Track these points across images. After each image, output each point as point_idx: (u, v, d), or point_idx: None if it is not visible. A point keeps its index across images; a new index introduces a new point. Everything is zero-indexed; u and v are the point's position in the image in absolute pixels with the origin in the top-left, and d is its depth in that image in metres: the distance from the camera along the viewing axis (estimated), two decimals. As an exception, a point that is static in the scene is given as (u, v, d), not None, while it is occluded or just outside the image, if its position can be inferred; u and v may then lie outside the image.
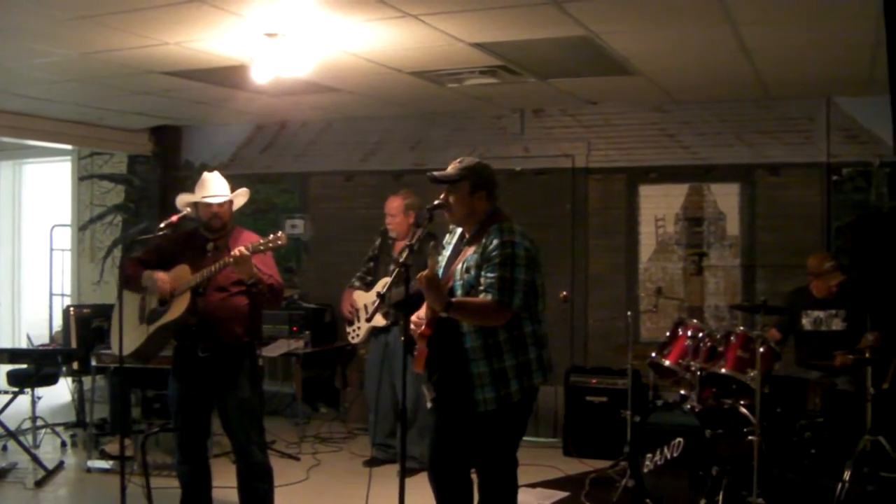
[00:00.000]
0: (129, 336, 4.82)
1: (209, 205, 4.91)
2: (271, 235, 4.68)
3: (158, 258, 4.98)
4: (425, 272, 3.83)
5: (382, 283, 6.46)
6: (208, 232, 4.97)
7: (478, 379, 3.93)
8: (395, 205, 6.61)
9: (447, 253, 4.24)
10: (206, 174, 5.05)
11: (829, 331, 6.14)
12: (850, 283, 6.19)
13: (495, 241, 3.92)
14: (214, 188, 4.96)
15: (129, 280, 4.93)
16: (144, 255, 5.07)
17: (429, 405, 4.13)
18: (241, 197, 5.12)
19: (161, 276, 4.79)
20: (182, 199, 5.04)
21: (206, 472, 5.06)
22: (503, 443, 4.05)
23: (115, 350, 5.02)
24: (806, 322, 6.23)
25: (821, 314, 6.18)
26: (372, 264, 6.85)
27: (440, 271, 4.11)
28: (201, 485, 5.02)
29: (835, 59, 5.80)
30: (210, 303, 4.79)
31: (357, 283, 6.85)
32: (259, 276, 4.72)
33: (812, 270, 6.24)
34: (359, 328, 6.75)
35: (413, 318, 4.10)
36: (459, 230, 4.22)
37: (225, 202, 4.96)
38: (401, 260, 3.95)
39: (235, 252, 4.58)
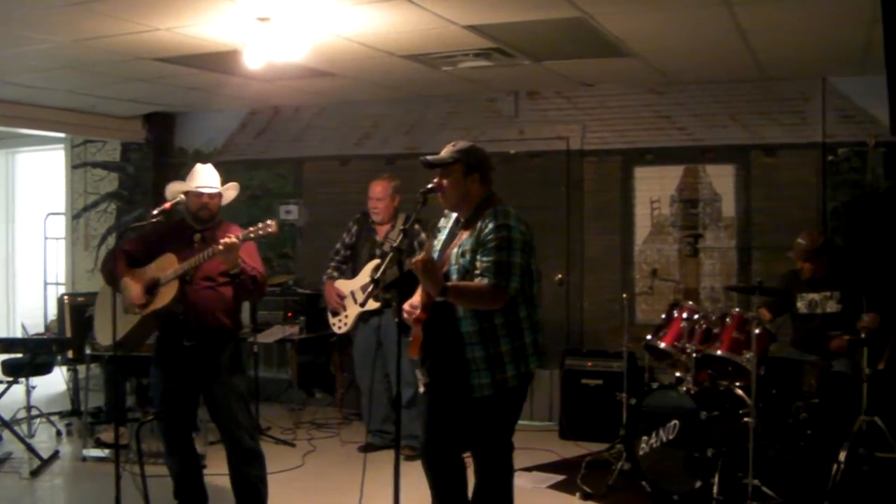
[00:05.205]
0: (110, 325, 4.74)
1: (200, 195, 4.87)
2: (261, 223, 4.64)
3: (145, 249, 4.92)
4: (421, 256, 3.79)
5: (373, 267, 6.42)
6: (196, 223, 4.92)
7: (473, 364, 3.91)
8: (382, 188, 6.56)
9: (442, 237, 4.19)
10: (198, 165, 5.02)
11: (824, 313, 6.09)
12: (839, 262, 6.16)
13: (491, 225, 3.89)
14: (206, 179, 4.93)
15: (111, 277, 4.87)
16: (130, 247, 4.98)
17: (421, 390, 4.11)
18: (231, 191, 5.09)
19: (134, 293, 4.73)
20: (172, 188, 4.95)
21: (194, 461, 5.07)
22: (499, 428, 4.04)
23: (100, 340, 5.03)
24: (801, 305, 6.19)
25: (815, 296, 6.14)
26: (348, 252, 6.80)
27: (435, 255, 4.08)
28: (192, 474, 5.03)
29: (830, 38, 5.77)
30: (197, 293, 4.76)
31: (336, 275, 6.80)
32: (242, 266, 4.70)
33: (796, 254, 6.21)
34: (346, 317, 6.71)
35: (405, 305, 4.06)
36: (454, 214, 4.18)
37: (216, 193, 4.94)
38: (394, 244, 3.94)
39: (225, 240, 4.54)
